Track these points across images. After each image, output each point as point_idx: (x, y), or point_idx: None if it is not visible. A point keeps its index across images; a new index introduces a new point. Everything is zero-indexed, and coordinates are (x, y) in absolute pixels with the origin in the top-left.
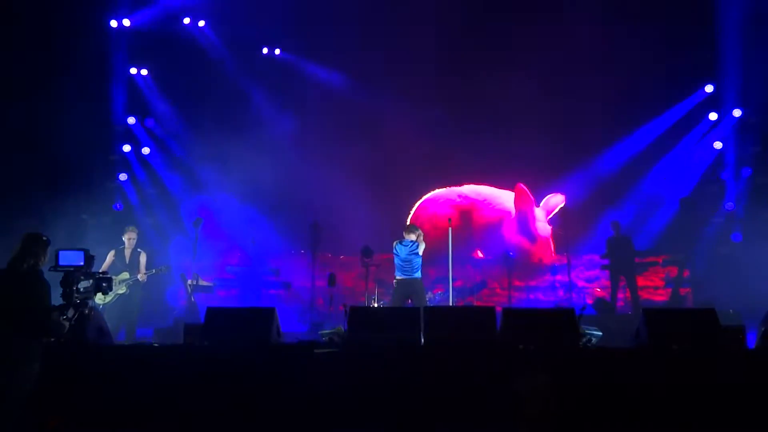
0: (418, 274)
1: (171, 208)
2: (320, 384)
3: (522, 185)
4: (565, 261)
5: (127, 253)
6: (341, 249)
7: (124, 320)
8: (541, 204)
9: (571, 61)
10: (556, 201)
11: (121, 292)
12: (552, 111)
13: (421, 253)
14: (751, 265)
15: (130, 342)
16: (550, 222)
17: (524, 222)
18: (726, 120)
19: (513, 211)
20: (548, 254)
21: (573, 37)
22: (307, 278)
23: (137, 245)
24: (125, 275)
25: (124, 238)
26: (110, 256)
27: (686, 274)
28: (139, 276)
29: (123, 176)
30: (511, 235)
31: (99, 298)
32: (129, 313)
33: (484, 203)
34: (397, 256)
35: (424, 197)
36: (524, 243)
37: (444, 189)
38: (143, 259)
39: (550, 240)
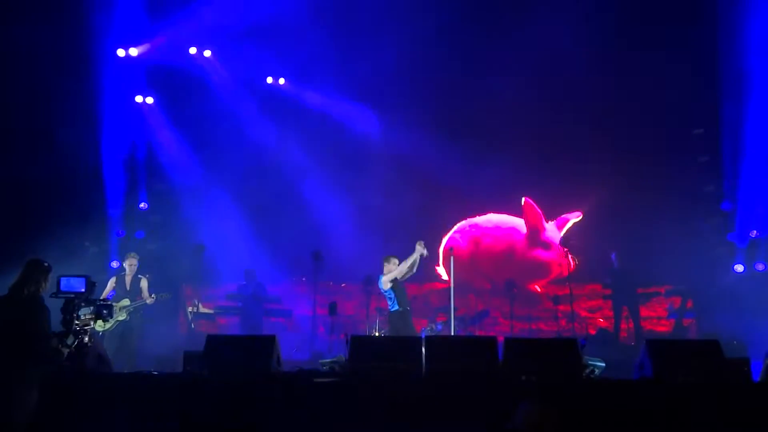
0: (394, 307)
1: (174, 235)
2: (321, 413)
3: (529, 199)
4: (567, 291)
5: (128, 279)
6: (343, 277)
7: (125, 347)
8: (556, 220)
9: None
10: (571, 216)
11: (121, 318)
12: (561, 139)
13: (384, 286)
14: (755, 295)
15: (130, 369)
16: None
17: (535, 235)
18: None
19: (524, 230)
20: (566, 263)
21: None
22: (308, 306)
23: (138, 272)
24: (126, 302)
25: (125, 265)
26: (111, 283)
27: (689, 304)
28: (147, 300)
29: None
30: (524, 252)
31: (99, 325)
32: (129, 340)
33: (496, 229)
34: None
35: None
36: (539, 255)
37: (463, 222)
38: (145, 284)
39: (567, 251)
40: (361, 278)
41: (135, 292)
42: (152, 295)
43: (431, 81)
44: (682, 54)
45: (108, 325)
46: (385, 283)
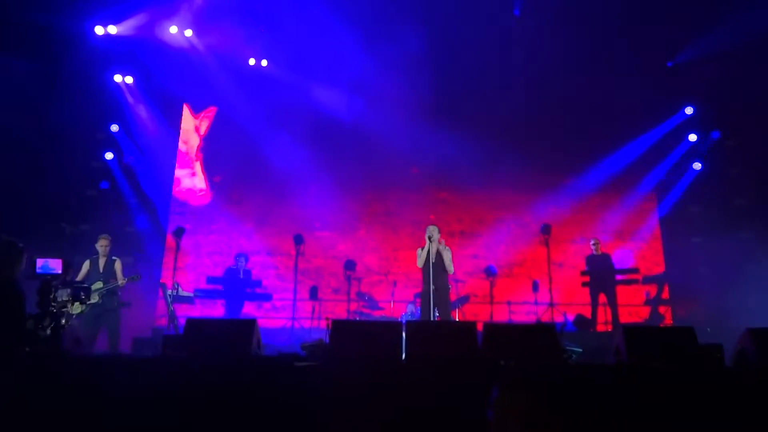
0: None
1: (152, 217)
2: (300, 397)
3: None
4: (546, 277)
5: (102, 262)
6: (325, 262)
7: (106, 331)
8: None
9: (555, 78)
10: None
11: (93, 302)
12: (537, 124)
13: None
14: (729, 284)
15: (111, 352)
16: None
17: None
18: (706, 141)
19: None
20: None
21: (558, 55)
22: (289, 290)
23: (111, 253)
24: (99, 285)
25: (97, 247)
26: (85, 266)
27: (666, 292)
28: (119, 282)
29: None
30: None
31: (73, 309)
32: (110, 322)
33: None
34: None
35: None
36: None
37: None
38: (119, 266)
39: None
40: (343, 262)
41: (109, 274)
42: (125, 278)
43: (419, 72)
44: (663, 41)
45: (82, 308)
46: None
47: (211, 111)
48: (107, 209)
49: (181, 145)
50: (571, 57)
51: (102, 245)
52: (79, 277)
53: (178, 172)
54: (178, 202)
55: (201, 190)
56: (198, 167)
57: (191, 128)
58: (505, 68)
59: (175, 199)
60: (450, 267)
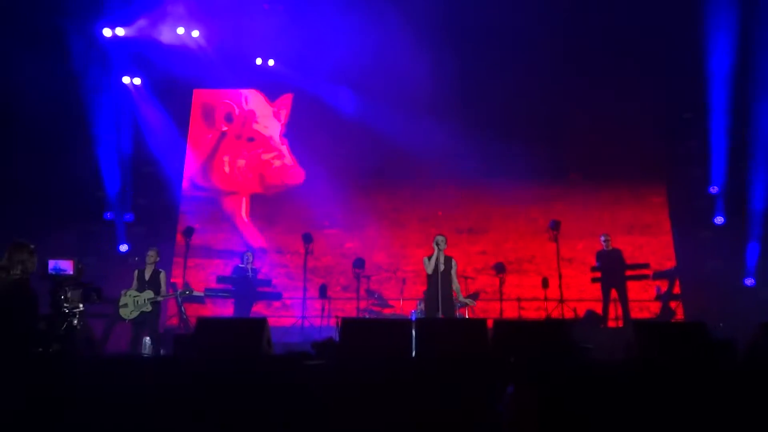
0: None
1: (165, 219)
2: (310, 395)
3: None
4: (556, 273)
5: (147, 272)
6: (334, 260)
7: (150, 334)
8: None
9: (566, 74)
10: None
11: (146, 310)
12: (545, 119)
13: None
14: (741, 279)
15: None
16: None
17: None
18: None
19: None
20: None
21: (569, 52)
22: (299, 289)
23: (158, 265)
24: (149, 294)
25: (146, 257)
26: (135, 276)
27: (677, 287)
28: (164, 294)
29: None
30: None
31: (124, 314)
32: (152, 326)
33: None
34: None
35: None
36: None
37: None
38: (163, 277)
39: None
40: (352, 260)
41: (153, 285)
42: (167, 294)
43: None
44: (672, 39)
45: (134, 315)
46: None
47: (288, 98)
48: (116, 210)
49: (263, 130)
50: (581, 54)
51: (149, 255)
52: (133, 287)
53: (265, 156)
54: (188, 202)
55: (291, 167)
56: (285, 149)
57: (270, 114)
58: (513, 65)
59: (185, 198)
60: (455, 282)
